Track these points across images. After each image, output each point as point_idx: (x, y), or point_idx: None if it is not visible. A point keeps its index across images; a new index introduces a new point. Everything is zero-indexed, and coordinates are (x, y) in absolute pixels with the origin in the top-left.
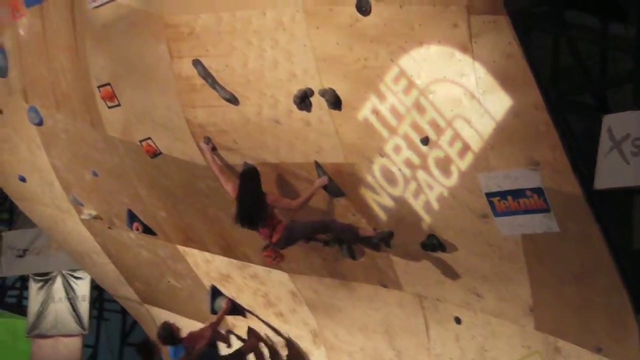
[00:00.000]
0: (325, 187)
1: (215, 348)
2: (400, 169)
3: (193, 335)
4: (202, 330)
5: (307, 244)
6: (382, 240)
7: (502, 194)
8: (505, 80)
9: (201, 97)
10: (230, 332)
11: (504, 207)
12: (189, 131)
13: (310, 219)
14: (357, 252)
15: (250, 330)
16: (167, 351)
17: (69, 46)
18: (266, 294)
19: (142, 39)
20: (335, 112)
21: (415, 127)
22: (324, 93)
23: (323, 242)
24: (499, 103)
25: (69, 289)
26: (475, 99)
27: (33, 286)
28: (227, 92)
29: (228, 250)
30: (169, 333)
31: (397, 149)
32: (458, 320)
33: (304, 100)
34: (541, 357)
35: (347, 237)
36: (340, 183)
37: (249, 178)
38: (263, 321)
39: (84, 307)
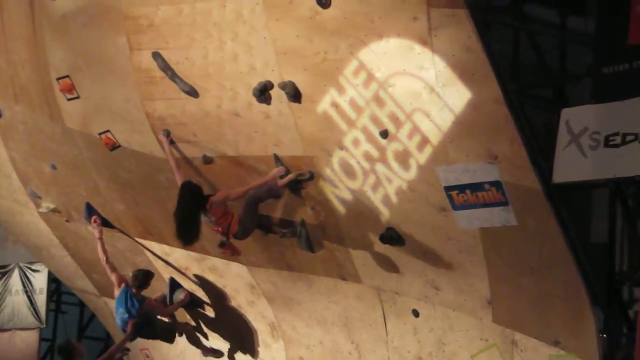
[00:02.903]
0: (287, 186)
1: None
2: (359, 162)
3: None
4: (158, 304)
5: (266, 237)
6: (302, 181)
7: (461, 188)
8: (465, 74)
9: (160, 90)
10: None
11: (463, 200)
12: (148, 124)
13: (244, 203)
14: (316, 246)
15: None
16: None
17: (27, 38)
18: (224, 287)
19: (101, 31)
20: (294, 105)
21: (375, 120)
22: (283, 86)
23: (280, 233)
24: (458, 96)
25: (26, 282)
26: (434, 92)
27: None
28: (186, 84)
29: None
30: (148, 279)
31: (356, 142)
32: (416, 313)
33: (263, 93)
34: (499, 350)
35: (276, 193)
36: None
37: (187, 193)
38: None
39: (41, 300)
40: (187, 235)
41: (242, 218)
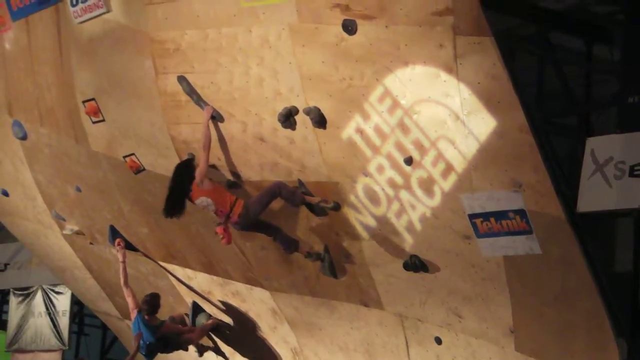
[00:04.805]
0: (310, 207)
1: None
2: (383, 189)
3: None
4: (177, 326)
5: (289, 262)
6: (325, 208)
7: (485, 215)
8: (490, 102)
9: (186, 114)
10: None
11: (487, 228)
12: (174, 147)
13: (260, 192)
14: (340, 272)
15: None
16: None
17: (54, 61)
18: (247, 312)
19: (127, 54)
20: (319, 131)
21: (399, 147)
22: (308, 111)
23: (305, 253)
24: (483, 124)
25: (49, 304)
26: (459, 119)
27: (13, 300)
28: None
29: (209, 267)
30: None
31: (380, 169)
32: (439, 341)
33: (288, 118)
34: None
35: (295, 201)
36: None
37: (182, 170)
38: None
39: (63, 322)
40: (172, 207)
41: (249, 202)
